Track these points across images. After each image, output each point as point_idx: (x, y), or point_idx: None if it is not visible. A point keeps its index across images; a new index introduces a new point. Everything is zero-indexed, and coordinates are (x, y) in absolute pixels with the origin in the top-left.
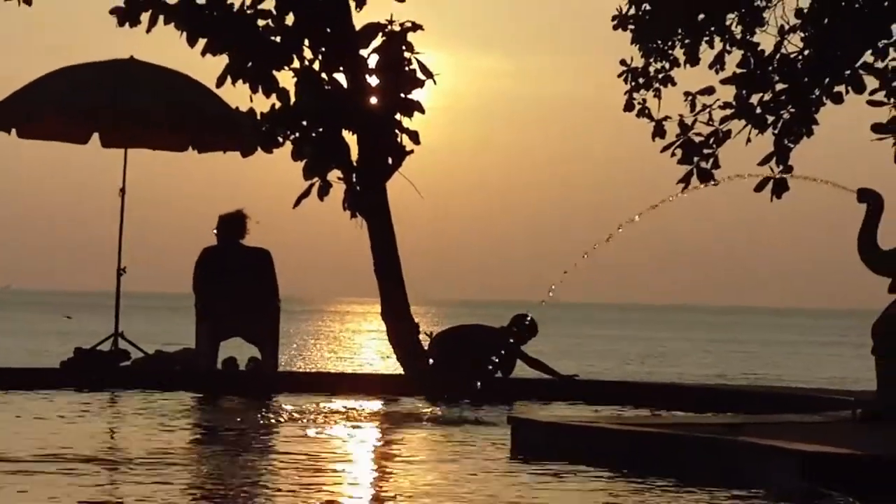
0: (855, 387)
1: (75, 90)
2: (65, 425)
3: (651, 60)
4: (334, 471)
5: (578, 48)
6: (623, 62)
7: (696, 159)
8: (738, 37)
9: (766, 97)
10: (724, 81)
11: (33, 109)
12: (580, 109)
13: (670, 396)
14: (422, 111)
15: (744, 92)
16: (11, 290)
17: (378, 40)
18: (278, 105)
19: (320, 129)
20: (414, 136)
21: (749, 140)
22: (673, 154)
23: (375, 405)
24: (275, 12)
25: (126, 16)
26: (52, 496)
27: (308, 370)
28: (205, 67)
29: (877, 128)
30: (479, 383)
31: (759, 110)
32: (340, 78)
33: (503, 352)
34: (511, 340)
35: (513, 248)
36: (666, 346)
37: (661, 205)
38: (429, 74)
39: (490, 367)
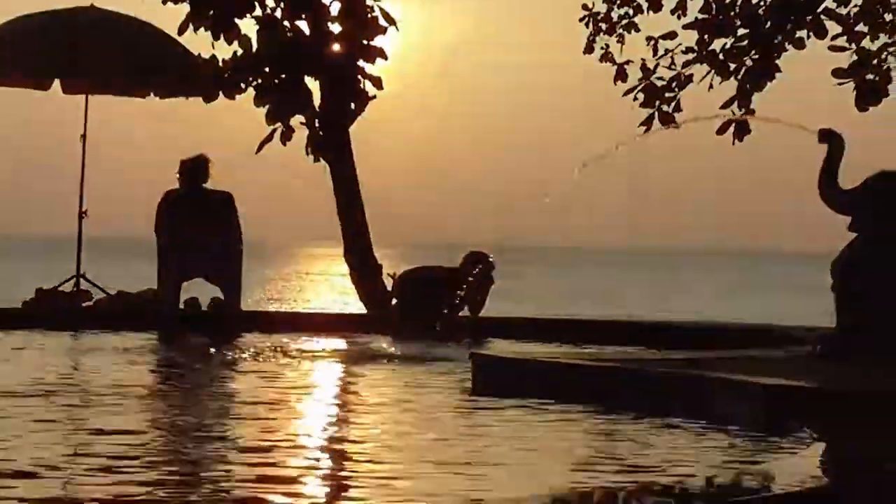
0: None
1: (36, 37)
2: (25, 363)
3: (614, 6)
4: (294, 409)
5: None
6: (585, 7)
7: (657, 103)
8: None
9: (729, 43)
10: (686, 27)
11: None
12: (543, 54)
13: (631, 333)
14: (384, 58)
15: (706, 37)
16: None
17: None
18: (241, 52)
19: (283, 76)
20: (376, 82)
21: (711, 86)
22: (635, 98)
23: (338, 344)
24: None
25: None
26: (10, 429)
27: (271, 310)
28: (166, 15)
29: (838, 73)
30: (439, 322)
31: (721, 57)
32: (302, 25)
33: (465, 290)
34: (471, 278)
35: (475, 193)
36: (630, 286)
37: (624, 147)
38: (391, 21)
39: (452, 305)
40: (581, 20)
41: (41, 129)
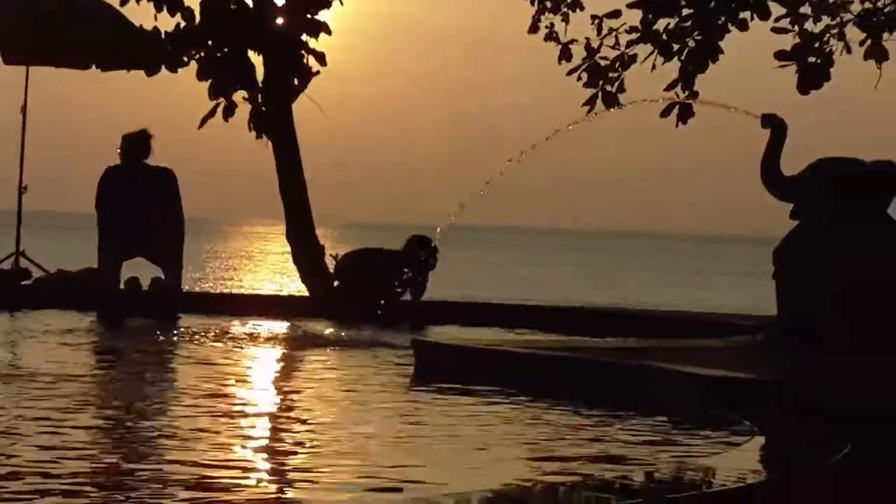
0: (756, 312)
1: None
2: None
3: None
4: (234, 394)
5: None
6: None
7: (601, 83)
8: None
9: (672, 23)
10: (630, 6)
11: None
12: (486, 32)
13: (572, 319)
14: (328, 32)
15: (650, 16)
16: None
17: None
18: (183, 24)
19: (225, 50)
20: (320, 58)
21: (654, 67)
22: (579, 78)
23: (280, 326)
24: None
25: None
26: None
27: (212, 291)
28: None
29: (780, 55)
30: (381, 306)
31: (664, 37)
32: None
33: (408, 274)
34: (420, 260)
35: (417, 172)
36: (566, 270)
37: (569, 129)
38: None
39: (394, 289)
40: None
41: None
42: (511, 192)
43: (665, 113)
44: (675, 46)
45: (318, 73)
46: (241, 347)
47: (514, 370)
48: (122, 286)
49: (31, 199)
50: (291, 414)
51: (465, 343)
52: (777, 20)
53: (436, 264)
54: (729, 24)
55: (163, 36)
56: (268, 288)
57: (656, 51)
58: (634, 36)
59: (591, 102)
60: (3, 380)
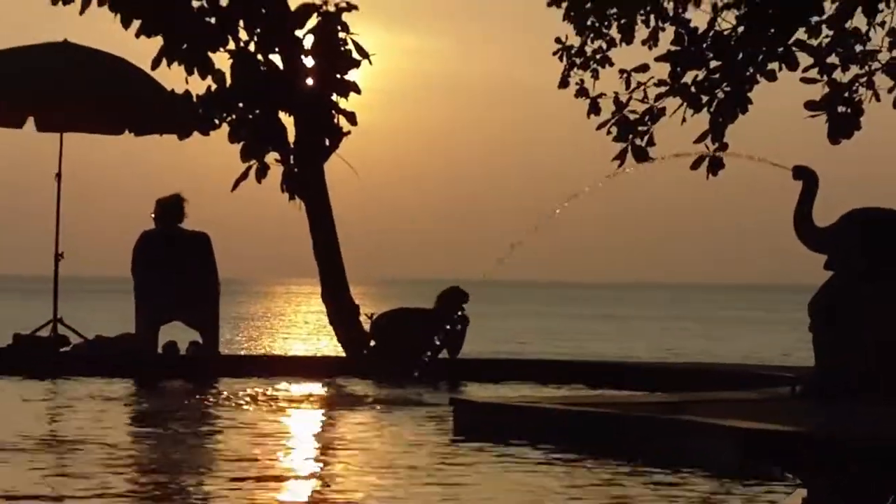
0: (792, 363)
1: (9, 74)
2: (4, 411)
3: (587, 40)
4: (275, 454)
5: (512, 26)
6: (558, 40)
7: (630, 136)
8: (671, 14)
9: (700, 75)
10: (658, 59)
11: None
12: (515, 88)
13: (610, 375)
14: (357, 91)
15: (678, 69)
16: None
17: (313, 21)
18: (214, 87)
19: (257, 111)
20: (350, 117)
21: (684, 119)
22: (608, 132)
23: (317, 387)
24: None
25: None
26: None
27: (249, 353)
28: (139, 49)
29: (810, 105)
30: (418, 366)
31: (693, 89)
32: (276, 59)
33: (446, 332)
34: (456, 317)
35: (451, 229)
36: (606, 323)
37: (602, 183)
38: (364, 55)
39: (431, 349)
40: (554, 54)
41: (15, 168)
42: (543, 247)
43: (696, 165)
44: (704, 98)
45: (348, 132)
46: (280, 409)
47: (551, 427)
48: (160, 351)
49: (67, 264)
50: (336, 476)
51: (503, 401)
52: (805, 70)
53: (469, 320)
54: (757, 75)
55: (194, 99)
56: (304, 349)
57: (685, 103)
58: (663, 89)
59: (621, 157)
60: (44, 448)
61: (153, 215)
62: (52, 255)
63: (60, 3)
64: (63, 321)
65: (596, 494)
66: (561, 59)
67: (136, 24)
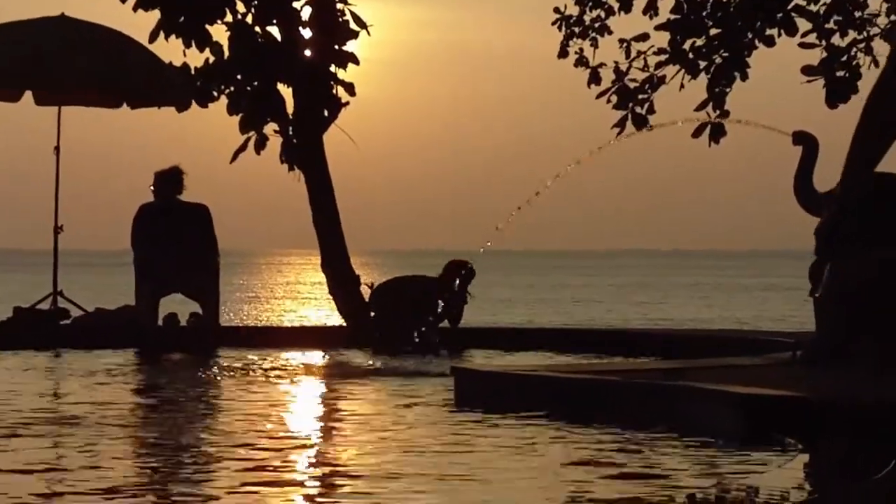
0: (793, 328)
1: (6, 48)
2: (4, 385)
3: (586, 9)
4: (276, 425)
5: None
6: (557, 10)
7: (630, 105)
8: None
9: (700, 42)
10: (658, 27)
11: None
12: (514, 58)
13: (611, 342)
14: (356, 62)
15: (678, 38)
16: None
17: None
18: (212, 59)
19: (255, 83)
20: (349, 88)
21: (682, 86)
22: (608, 100)
23: (317, 358)
24: None
25: None
26: None
27: (249, 324)
28: (136, 23)
29: (807, 70)
30: (418, 334)
31: (691, 55)
32: (274, 31)
33: (444, 301)
34: (456, 288)
35: (449, 198)
36: (606, 290)
37: (601, 150)
38: (362, 25)
39: (432, 317)
40: (553, 24)
41: (13, 142)
42: (545, 215)
43: (697, 133)
44: (703, 64)
45: (347, 103)
46: (280, 380)
47: (553, 395)
48: (160, 323)
49: (67, 238)
50: (338, 447)
51: (505, 369)
52: (804, 35)
53: (469, 291)
54: (756, 41)
55: (192, 72)
56: (305, 320)
57: (683, 69)
58: (663, 58)
59: (620, 124)
60: (47, 421)
61: (152, 188)
62: (51, 229)
63: None
64: (63, 294)
65: (598, 463)
66: (560, 28)
67: None
